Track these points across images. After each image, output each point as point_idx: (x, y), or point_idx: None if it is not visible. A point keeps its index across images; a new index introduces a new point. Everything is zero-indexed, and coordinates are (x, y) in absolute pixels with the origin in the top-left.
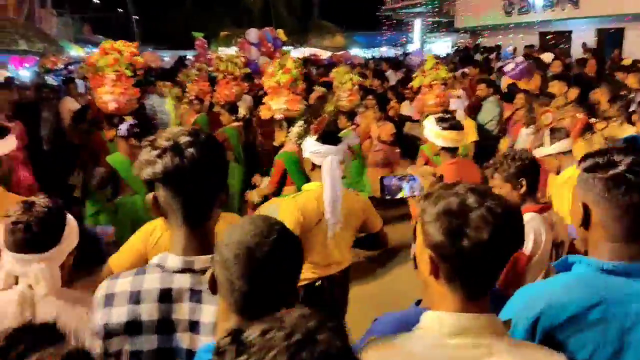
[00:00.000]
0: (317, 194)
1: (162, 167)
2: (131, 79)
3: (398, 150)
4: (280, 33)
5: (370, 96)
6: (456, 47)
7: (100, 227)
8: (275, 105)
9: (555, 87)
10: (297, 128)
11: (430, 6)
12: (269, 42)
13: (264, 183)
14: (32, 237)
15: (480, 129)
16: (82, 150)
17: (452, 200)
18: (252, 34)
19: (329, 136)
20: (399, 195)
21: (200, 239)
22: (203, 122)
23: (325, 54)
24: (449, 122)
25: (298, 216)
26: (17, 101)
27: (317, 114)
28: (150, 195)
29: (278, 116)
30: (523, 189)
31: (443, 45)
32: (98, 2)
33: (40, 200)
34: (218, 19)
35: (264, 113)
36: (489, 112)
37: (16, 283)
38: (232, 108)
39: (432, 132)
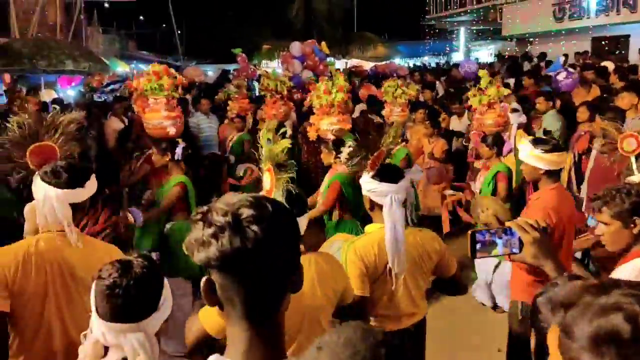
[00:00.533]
0: (379, 238)
1: (217, 251)
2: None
3: (451, 168)
4: (323, 46)
5: (421, 110)
6: (498, 55)
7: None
8: (325, 126)
9: (624, 99)
10: (347, 149)
11: (475, 14)
12: (317, 55)
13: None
14: (131, 304)
15: None
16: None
17: (616, 320)
18: (296, 47)
19: (388, 173)
20: (493, 254)
21: (266, 338)
22: (244, 140)
23: (367, 65)
24: (549, 144)
25: (361, 268)
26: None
27: (374, 145)
28: (203, 280)
29: (329, 136)
30: (637, 229)
31: (486, 53)
32: (142, 18)
33: (138, 260)
34: (260, 32)
35: (312, 134)
36: (550, 127)
37: (105, 354)
38: (278, 127)
39: (532, 156)
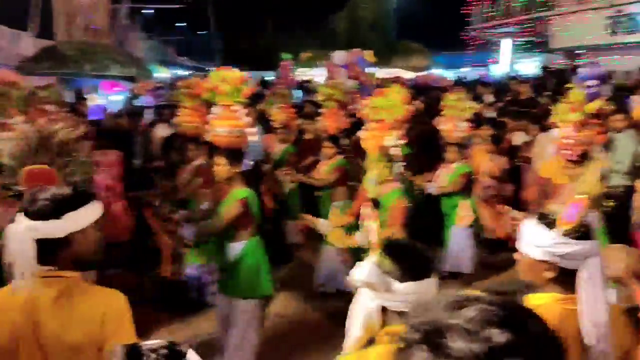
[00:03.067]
0: (550, 313)
1: None
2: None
3: (511, 187)
4: (370, 55)
5: (486, 126)
6: (543, 67)
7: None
8: (389, 142)
9: None
10: (398, 166)
11: (522, 25)
12: (361, 66)
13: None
14: None
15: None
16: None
17: None
18: (340, 56)
19: (584, 228)
20: None
21: None
22: (289, 153)
23: (406, 75)
24: None
25: None
26: (110, 129)
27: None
28: None
29: (391, 152)
30: None
31: (531, 65)
32: (181, 25)
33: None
34: (300, 39)
35: (371, 149)
36: (625, 148)
37: None
38: (335, 139)
39: None
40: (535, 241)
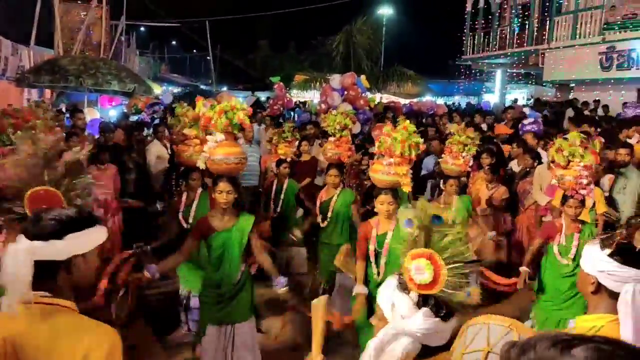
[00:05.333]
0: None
1: None
2: None
3: (509, 217)
4: (363, 80)
5: (485, 154)
6: (537, 100)
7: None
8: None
9: None
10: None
11: (515, 57)
12: (360, 88)
13: None
14: None
15: (611, 201)
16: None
17: None
18: (336, 79)
19: (635, 255)
20: None
21: None
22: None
23: (401, 101)
24: None
25: None
26: (106, 143)
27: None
28: None
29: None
30: None
31: (519, 96)
32: (175, 43)
33: None
34: (295, 61)
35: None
36: (632, 182)
37: None
38: (341, 167)
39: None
40: (589, 257)
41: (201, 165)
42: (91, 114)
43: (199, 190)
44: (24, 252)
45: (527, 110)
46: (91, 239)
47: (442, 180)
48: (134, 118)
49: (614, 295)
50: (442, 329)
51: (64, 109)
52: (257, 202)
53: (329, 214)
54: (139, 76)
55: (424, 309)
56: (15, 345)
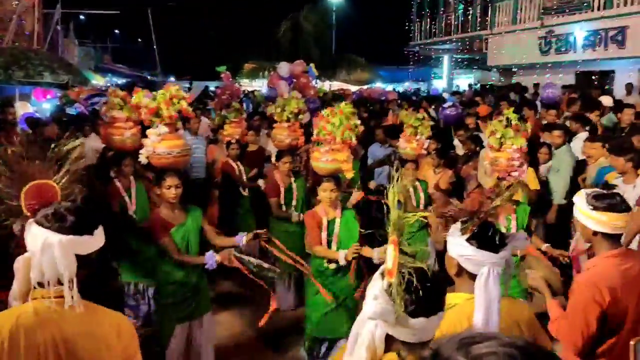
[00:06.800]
0: (469, 312)
1: None
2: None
3: (456, 201)
4: (313, 67)
5: (431, 140)
6: (477, 84)
7: None
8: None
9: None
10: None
11: (460, 43)
12: (312, 76)
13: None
14: None
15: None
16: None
17: None
18: (284, 67)
19: (489, 240)
20: None
21: None
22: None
23: (352, 88)
24: (608, 200)
25: None
26: (36, 139)
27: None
28: None
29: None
30: None
31: (466, 82)
32: (117, 32)
33: None
34: (243, 50)
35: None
36: (563, 163)
37: None
38: (293, 153)
39: (583, 214)
40: (451, 243)
41: (143, 160)
42: (23, 108)
43: (131, 178)
44: (65, 246)
45: (446, 95)
46: (102, 235)
47: (398, 166)
48: (72, 111)
49: (474, 277)
50: (405, 322)
51: None
52: (207, 194)
53: (294, 202)
54: (74, 67)
55: (382, 295)
56: (59, 344)
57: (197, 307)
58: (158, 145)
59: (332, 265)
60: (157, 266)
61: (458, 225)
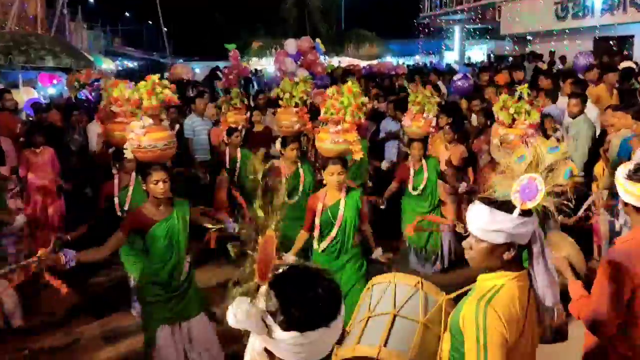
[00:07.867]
0: (511, 293)
1: None
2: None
3: (470, 176)
4: (320, 43)
5: (443, 115)
6: (496, 55)
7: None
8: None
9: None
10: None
11: (472, 12)
12: (319, 52)
13: None
14: None
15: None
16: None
17: None
18: (291, 44)
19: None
20: None
21: None
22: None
23: (361, 64)
24: None
25: (504, 332)
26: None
27: None
28: None
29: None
30: None
31: (479, 52)
32: (128, 15)
33: None
34: (250, 29)
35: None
36: (583, 133)
37: None
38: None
39: (618, 182)
40: (494, 226)
41: (128, 154)
42: (28, 94)
43: (133, 174)
44: None
45: (456, 67)
46: None
47: (407, 144)
48: (81, 95)
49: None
50: (277, 336)
51: None
52: (216, 173)
53: (300, 187)
54: (77, 50)
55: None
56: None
57: (184, 309)
58: (143, 138)
59: (322, 246)
60: (139, 265)
61: (485, 208)
